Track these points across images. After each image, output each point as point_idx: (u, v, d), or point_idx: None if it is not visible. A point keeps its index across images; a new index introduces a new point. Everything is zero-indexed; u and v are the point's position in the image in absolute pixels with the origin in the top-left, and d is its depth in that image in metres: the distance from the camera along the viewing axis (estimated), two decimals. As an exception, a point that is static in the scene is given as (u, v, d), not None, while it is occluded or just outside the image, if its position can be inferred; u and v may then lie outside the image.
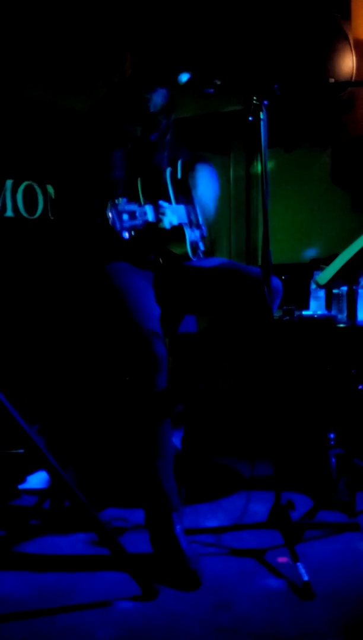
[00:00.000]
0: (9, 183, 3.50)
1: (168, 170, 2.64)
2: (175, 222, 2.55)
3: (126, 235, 2.21)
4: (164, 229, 2.49)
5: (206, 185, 2.80)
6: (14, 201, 3.51)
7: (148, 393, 2.28)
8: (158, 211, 2.44)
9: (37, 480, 2.94)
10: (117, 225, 2.19)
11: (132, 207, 2.24)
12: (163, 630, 1.90)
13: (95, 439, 3.00)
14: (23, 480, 2.94)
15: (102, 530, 2.07)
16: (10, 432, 2.85)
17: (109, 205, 2.20)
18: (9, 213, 3.49)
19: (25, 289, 3.36)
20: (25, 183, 3.58)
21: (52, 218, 3.68)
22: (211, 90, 2.47)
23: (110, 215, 2.20)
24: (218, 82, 2.45)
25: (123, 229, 2.20)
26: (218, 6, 4.14)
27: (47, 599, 2.07)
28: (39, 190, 3.64)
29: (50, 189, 3.68)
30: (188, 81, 2.53)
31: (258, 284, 2.38)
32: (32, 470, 2.95)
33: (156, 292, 2.53)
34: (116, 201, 2.21)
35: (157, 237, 2.55)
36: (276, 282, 2.53)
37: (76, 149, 2.71)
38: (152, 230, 2.45)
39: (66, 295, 3.26)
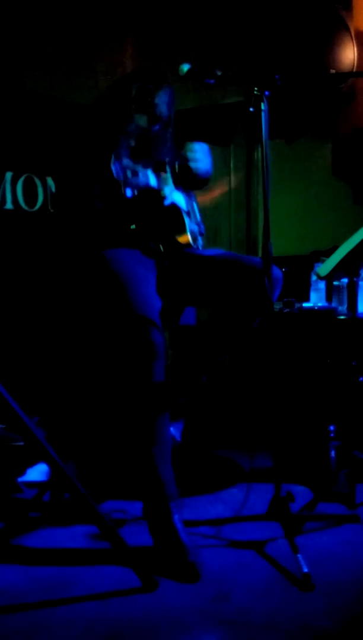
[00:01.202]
0: (8, 175, 3.49)
1: (167, 165, 2.63)
2: (175, 199, 2.56)
3: (129, 193, 2.23)
4: (163, 199, 2.49)
5: (202, 149, 2.79)
6: (13, 193, 3.51)
7: (145, 380, 2.28)
8: (160, 179, 2.46)
9: (37, 472, 2.94)
10: (121, 178, 2.20)
11: (136, 167, 2.26)
12: (163, 621, 1.90)
13: (95, 430, 3.00)
14: (23, 472, 2.94)
15: (102, 522, 2.07)
16: (10, 425, 2.85)
17: (113, 159, 2.22)
18: (9, 205, 3.49)
19: (24, 281, 3.35)
20: (25, 175, 3.57)
21: (52, 210, 3.67)
22: (212, 81, 2.45)
23: (114, 168, 2.20)
24: (219, 73, 2.43)
25: (127, 184, 2.22)
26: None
27: (47, 591, 2.07)
28: (38, 183, 3.63)
29: (50, 181, 3.67)
30: (189, 72, 2.51)
31: (258, 274, 2.37)
32: (32, 463, 2.95)
33: (158, 283, 2.53)
34: (121, 159, 2.24)
35: (158, 212, 2.54)
36: (277, 272, 2.53)
37: (78, 138, 2.70)
38: (153, 197, 2.45)
39: (66, 286, 3.25)
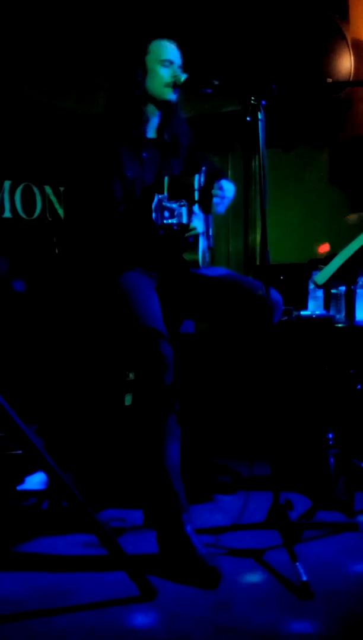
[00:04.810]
0: (7, 184, 3.50)
1: (196, 177, 2.61)
2: (199, 229, 2.55)
3: (162, 232, 2.26)
4: (187, 239, 2.51)
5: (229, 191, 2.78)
6: (12, 202, 3.52)
7: (156, 394, 2.28)
8: (190, 215, 2.46)
9: (36, 481, 2.93)
10: (158, 220, 2.24)
11: (172, 205, 2.28)
12: (163, 631, 1.90)
13: (93, 439, 3.00)
14: (21, 481, 2.93)
15: (101, 530, 2.06)
16: (8, 433, 2.85)
17: (156, 198, 2.25)
18: (7, 214, 3.50)
19: (25, 289, 3.35)
20: (23, 184, 3.58)
21: (50, 219, 3.68)
22: (209, 90, 2.47)
23: (155, 207, 2.23)
24: (216, 82, 2.45)
25: (161, 226, 2.26)
26: (216, 6, 4.14)
27: (45, 600, 2.06)
28: (37, 191, 3.64)
29: (48, 189, 3.69)
30: (186, 81, 2.53)
31: (258, 298, 2.39)
32: (31, 471, 2.95)
33: (159, 294, 2.53)
34: (160, 196, 2.27)
35: (180, 243, 2.55)
36: (277, 296, 2.52)
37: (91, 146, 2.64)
38: (181, 234, 2.46)
39: (67, 296, 3.25)
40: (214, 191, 2.64)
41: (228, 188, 2.68)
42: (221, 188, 2.65)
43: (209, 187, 2.69)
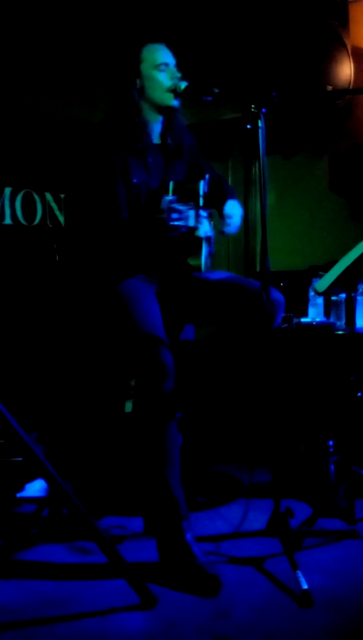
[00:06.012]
0: (7, 191, 3.51)
1: (201, 183, 2.61)
2: (208, 234, 2.56)
3: (170, 233, 2.29)
4: (197, 240, 2.51)
5: (237, 215, 2.78)
6: (12, 209, 3.52)
7: (157, 401, 2.28)
8: (198, 219, 2.46)
9: (36, 488, 2.93)
10: (168, 221, 2.24)
11: (181, 206, 2.30)
12: (163, 639, 1.89)
13: (94, 446, 3.00)
14: (22, 488, 2.93)
15: (101, 538, 2.06)
16: (8, 440, 2.85)
17: (163, 197, 2.27)
18: (8, 220, 3.50)
19: (26, 295, 3.35)
20: (23, 191, 3.58)
21: (50, 226, 3.68)
22: (210, 98, 2.47)
23: (164, 207, 2.23)
24: (216, 90, 2.45)
25: (171, 228, 2.27)
26: (216, 14, 4.15)
27: (45, 608, 2.06)
28: (37, 198, 3.65)
29: (48, 196, 3.69)
30: (186, 89, 2.53)
31: (260, 300, 2.39)
32: (31, 479, 2.95)
33: (159, 300, 2.53)
34: (169, 197, 2.28)
35: (187, 245, 2.56)
36: (279, 296, 2.52)
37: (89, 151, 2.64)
38: (188, 237, 2.47)
39: (68, 302, 3.25)
40: (225, 213, 2.66)
41: (235, 213, 2.70)
42: (229, 216, 2.68)
43: (213, 194, 2.70)
